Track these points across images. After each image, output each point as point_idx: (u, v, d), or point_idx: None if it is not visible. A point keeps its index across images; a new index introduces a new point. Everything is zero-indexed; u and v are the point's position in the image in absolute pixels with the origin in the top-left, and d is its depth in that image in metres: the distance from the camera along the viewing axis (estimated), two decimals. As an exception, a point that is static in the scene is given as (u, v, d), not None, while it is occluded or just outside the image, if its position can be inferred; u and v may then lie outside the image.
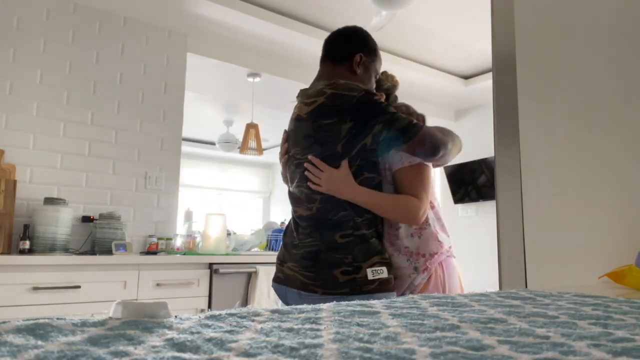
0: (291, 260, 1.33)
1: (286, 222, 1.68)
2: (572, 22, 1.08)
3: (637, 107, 1.00)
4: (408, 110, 1.53)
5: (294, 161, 1.37)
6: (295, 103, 1.45)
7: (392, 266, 1.32)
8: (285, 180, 1.47)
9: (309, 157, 1.31)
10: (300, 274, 1.28)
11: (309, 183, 1.30)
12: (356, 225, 1.27)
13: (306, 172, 1.31)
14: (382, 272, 1.25)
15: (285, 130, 1.46)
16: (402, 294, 1.33)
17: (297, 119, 1.36)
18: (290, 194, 1.42)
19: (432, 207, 1.41)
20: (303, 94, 1.41)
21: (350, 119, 1.24)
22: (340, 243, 1.25)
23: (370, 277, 1.23)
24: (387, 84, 1.62)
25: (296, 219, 1.38)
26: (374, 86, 1.51)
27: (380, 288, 1.24)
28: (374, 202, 1.29)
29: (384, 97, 1.53)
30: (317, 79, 1.46)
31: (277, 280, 1.38)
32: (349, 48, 1.43)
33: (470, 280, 5.16)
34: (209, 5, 3.10)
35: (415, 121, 1.29)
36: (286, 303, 1.35)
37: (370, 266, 1.24)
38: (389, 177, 1.37)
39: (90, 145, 2.93)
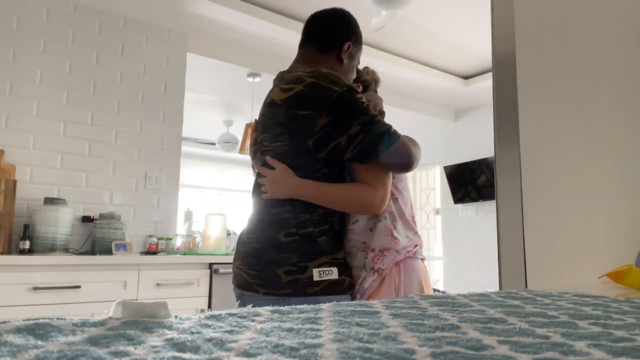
0: (238, 258, 1.25)
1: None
2: (572, 22, 1.08)
3: (637, 107, 1.00)
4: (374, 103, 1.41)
5: (260, 147, 1.27)
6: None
7: (348, 267, 1.22)
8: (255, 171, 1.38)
9: (267, 158, 1.22)
10: (245, 272, 1.20)
11: (262, 195, 1.23)
12: (301, 223, 1.17)
13: (259, 180, 1.24)
14: (331, 273, 1.16)
15: (255, 120, 1.35)
16: (354, 298, 1.21)
17: (270, 104, 1.25)
18: (254, 186, 1.33)
19: (396, 199, 1.30)
20: (281, 77, 1.30)
21: (327, 114, 1.14)
22: (284, 242, 1.16)
23: (316, 277, 1.14)
24: (366, 77, 1.50)
25: (250, 215, 1.30)
26: (355, 76, 1.41)
27: (329, 290, 1.15)
28: (320, 195, 1.18)
29: (361, 88, 1.41)
30: (297, 62, 1.34)
31: (232, 279, 1.31)
32: (340, 35, 1.33)
33: (470, 280, 5.16)
34: (209, 5, 3.10)
35: (393, 129, 1.19)
36: (239, 302, 1.26)
37: (318, 266, 1.15)
38: (348, 166, 1.25)
39: (90, 145, 2.93)
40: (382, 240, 1.23)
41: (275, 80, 1.33)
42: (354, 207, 1.22)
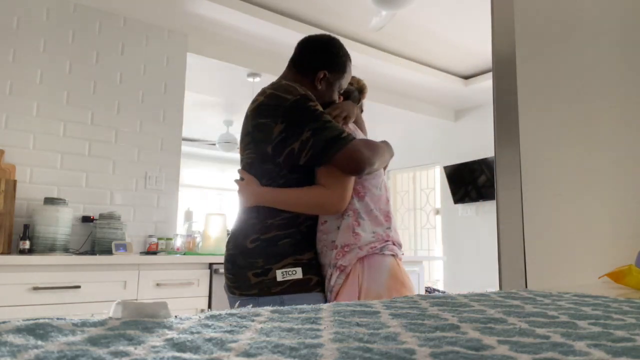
0: (224, 263, 1.39)
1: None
2: (572, 22, 1.08)
3: (637, 107, 1.00)
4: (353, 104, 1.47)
5: (240, 157, 1.41)
6: None
7: (314, 266, 1.27)
8: None
9: (238, 170, 1.38)
10: (225, 276, 1.35)
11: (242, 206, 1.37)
12: (265, 228, 1.26)
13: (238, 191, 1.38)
14: (295, 273, 1.23)
15: None
16: (326, 297, 1.27)
17: (245, 118, 1.38)
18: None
19: (362, 197, 1.31)
20: (261, 92, 1.39)
21: (281, 121, 1.23)
22: (250, 248, 1.26)
23: (279, 278, 1.22)
24: (349, 87, 1.53)
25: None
26: (335, 100, 1.46)
27: (293, 289, 1.22)
28: (279, 200, 1.27)
29: (342, 98, 1.50)
30: (280, 78, 1.43)
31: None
32: (314, 63, 1.39)
33: (470, 280, 5.16)
34: (209, 5, 3.10)
35: (346, 134, 1.23)
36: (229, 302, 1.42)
37: (281, 267, 1.23)
38: (315, 171, 1.31)
39: (90, 145, 2.93)
40: (344, 237, 1.26)
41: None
42: (314, 209, 1.29)
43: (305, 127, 1.22)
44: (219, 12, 3.20)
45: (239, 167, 1.42)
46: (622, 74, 1.03)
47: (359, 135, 1.43)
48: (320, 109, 1.28)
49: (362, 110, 1.59)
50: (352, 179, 1.29)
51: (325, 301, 1.26)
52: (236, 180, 1.38)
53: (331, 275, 1.25)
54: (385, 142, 1.41)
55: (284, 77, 1.42)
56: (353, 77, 1.57)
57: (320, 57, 1.40)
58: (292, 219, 1.27)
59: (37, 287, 2.18)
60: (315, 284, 1.25)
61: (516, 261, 0.99)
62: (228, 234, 1.36)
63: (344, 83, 1.46)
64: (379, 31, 3.58)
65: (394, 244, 1.31)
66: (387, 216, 1.34)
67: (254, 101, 1.34)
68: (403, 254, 1.38)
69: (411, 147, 6.00)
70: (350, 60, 1.46)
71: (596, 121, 1.04)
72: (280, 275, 1.22)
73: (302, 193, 1.27)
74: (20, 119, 2.71)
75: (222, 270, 2.69)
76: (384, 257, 1.27)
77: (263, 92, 1.33)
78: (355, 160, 1.21)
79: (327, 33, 1.50)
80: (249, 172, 1.33)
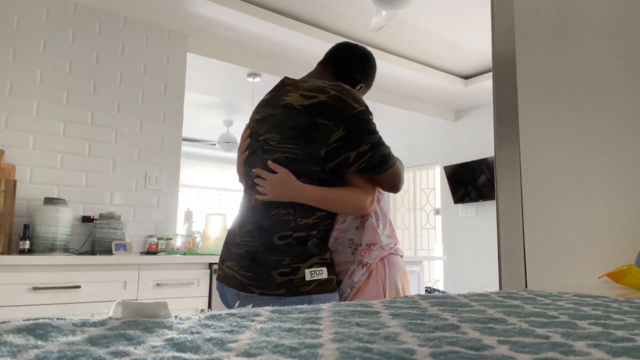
0: (231, 259, 1.30)
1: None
2: (572, 22, 1.08)
3: (637, 107, 1.00)
4: None
5: (264, 146, 1.29)
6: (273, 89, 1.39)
7: (335, 265, 1.29)
8: (243, 179, 1.42)
9: (268, 163, 1.26)
10: (238, 274, 1.25)
11: (256, 196, 1.28)
12: (298, 226, 1.24)
13: (255, 180, 1.29)
14: (322, 273, 1.23)
15: (247, 126, 1.40)
16: (342, 293, 1.29)
17: (286, 107, 1.28)
18: (247, 185, 1.37)
19: (379, 201, 1.39)
20: (295, 84, 1.33)
21: (344, 128, 1.23)
22: (278, 245, 1.22)
23: (308, 277, 1.21)
24: None
25: (242, 214, 1.34)
26: None
27: (320, 289, 1.22)
28: (323, 198, 1.26)
29: None
30: (314, 76, 1.41)
31: (218, 278, 1.36)
32: (356, 75, 1.43)
33: (470, 280, 5.16)
34: (209, 5, 3.10)
35: (393, 154, 1.32)
36: (225, 302, 1.34)
37: (309, 267, 1.22)
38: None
39: (90, 145, 2.93)
40: (369, 236, 1.32)
41: (286, 85, 1.35)
42: (348, 209, 1.31)
43: (366, 140, 1.24)
44: (219, 12, 3.20)
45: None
46: (622, 74, 1.03)
47: None
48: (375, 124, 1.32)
49: None
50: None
51: (340, 299, 1.29)
52: (263, 171, 1.27)
53: (353, 272, 1.29)
54: (400, 162, 1.47)
55: (325, 77, 1.39)
56: None
57: (362, 71, 1.44)
58: (323, 218, 1.28)
59: (37, 287, 2.18)
60: (335, 284, 1.27)
61: (516, 261, 0.99)
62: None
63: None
64: (379, 31, 3.58)
65: (398, 246, 1.43)
66: (390, 221, 1.45)
67: (309, 96, 1.25)
68: None
69: (411, 147, 6.00)
70: None
71: (596, 121, 1.04)
72: (309, 274, 1.21)
73: (344, 193, 1.29)
74: (20, 119, 2.71)
75: (222, 270, 2.69)
76: (397, 257, 1.38)
77: (324, 91, 1.25)
78: (397, 179, 1.33)
79: (363, 45, 1.50)
80: (285, 167, 1.25)
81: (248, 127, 1.40)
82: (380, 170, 1.29)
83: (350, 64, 1.43)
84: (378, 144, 1.27)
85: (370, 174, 1.30)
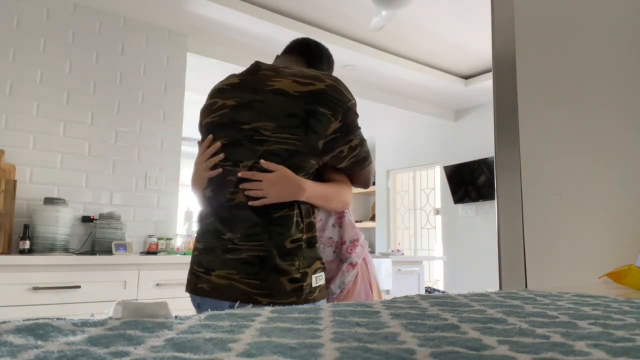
0: (225, 267, 1.12)
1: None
2: (572, 22, 1.08)
3: (638, 107, 1.00)
4: None
5: (254, 135, 1.14)
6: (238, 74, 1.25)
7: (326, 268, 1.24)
8: (198, 184, 1.23)
9: (261, 162, 1.12)
10: (240, 282, 1.10)
11: (250, 202, 1.12)
12: (306, 227, 1.16)
13: (243, 185, 1.14)
14: (322, 279, 1.17)
15: (207, 115, 1.23)
16: (331, 293, 1.23)
17: (276, 92, 1.15)
18: (225, 182, 1.17)
19: None
20: (275, 69, 1.21)
21: (340, 120, 1.16)
22: (289, 249, 1.11)
23: (314, 284, 1.13)
24: None
25: (229, 214, 1.16)
26: None
27: (321, 295, 1.16)
28: (322, 194, 1.20)
29: None
30: (290, 61, 1.33)
31: (198, 293, 1.15)
32: (323, 70, 1.39)
33: (471, 280, 5.16)
34: (209, 5, 3.10)
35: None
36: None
37: (314, 272, 1.14)
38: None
39: (90, 145, 2.93)
40: (350, 233, 1.29)
41: (263, 70, 1.22)
42: (338, 205, 1.27)
43: (356, 134, 1.22)
44: (219, 12, 3.20)
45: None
46: (622, 74, 1.03)
47: None
48: None
49: None
50: None
51: (328, 300, 1.23)
52: (254, 173, 1.13)
53: (344, 270, 1.23)
54: None
55: (299, 67, 1.29)
56: None
57: (329, 70, 1.44)
58: (314, 220, 1.20)
59: (37, 287, 2.18)
60: (325, 287, 1.21)
61: (516, 261, 0.99)
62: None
63: None
64: (379, 31, 3.58)
65: None
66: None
67: (305, 83, 1.15)
68: None
69: (411, 147, 6.00)
70: None
71: (596, 121, 1.04)
72: (314, 280, 1.13)
73: (336, 189, 1.25)
74: (20, 119, 2.71)
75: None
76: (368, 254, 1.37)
77: (320, 79, 1.16)
78: (371, 175, 1.35)
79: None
80: (284, 160, 1.13)
81: (211, 116, 1.22)
82: (364, 166, 1.28)
83: (321, 61, 1.39)
84: (363, 140, 1.26)
85: (354, 169, 1.28)
